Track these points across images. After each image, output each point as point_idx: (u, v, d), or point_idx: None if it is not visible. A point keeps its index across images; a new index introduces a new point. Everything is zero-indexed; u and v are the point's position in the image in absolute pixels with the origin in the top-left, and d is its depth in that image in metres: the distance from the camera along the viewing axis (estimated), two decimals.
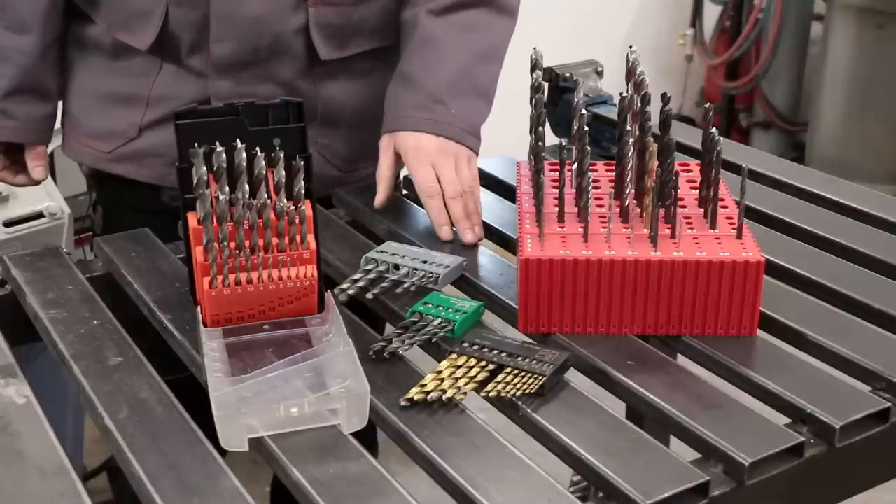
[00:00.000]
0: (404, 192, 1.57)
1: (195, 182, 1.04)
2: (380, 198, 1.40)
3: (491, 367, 1.02)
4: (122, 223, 1.42)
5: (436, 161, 1.35)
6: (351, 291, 1.19)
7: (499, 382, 1.00)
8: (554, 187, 1.23)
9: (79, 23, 1.49)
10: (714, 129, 1.15)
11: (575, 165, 1.17)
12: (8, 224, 2.18)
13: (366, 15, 1.46)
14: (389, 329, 1.11)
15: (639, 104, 1.15)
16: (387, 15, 1.48)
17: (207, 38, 1.41)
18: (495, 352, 1.04)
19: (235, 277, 1.07)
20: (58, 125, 1.57)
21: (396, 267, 1.23)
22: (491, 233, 1.41)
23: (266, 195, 1.06)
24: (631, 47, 1.20)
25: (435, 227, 1.34)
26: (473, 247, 1.32)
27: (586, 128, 1.15)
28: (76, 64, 1.52)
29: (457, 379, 1.00)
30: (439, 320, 1.11)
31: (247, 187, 1.05)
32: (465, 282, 1.24)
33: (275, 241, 1.08)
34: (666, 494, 0.86)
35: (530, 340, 1.08)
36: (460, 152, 1.37)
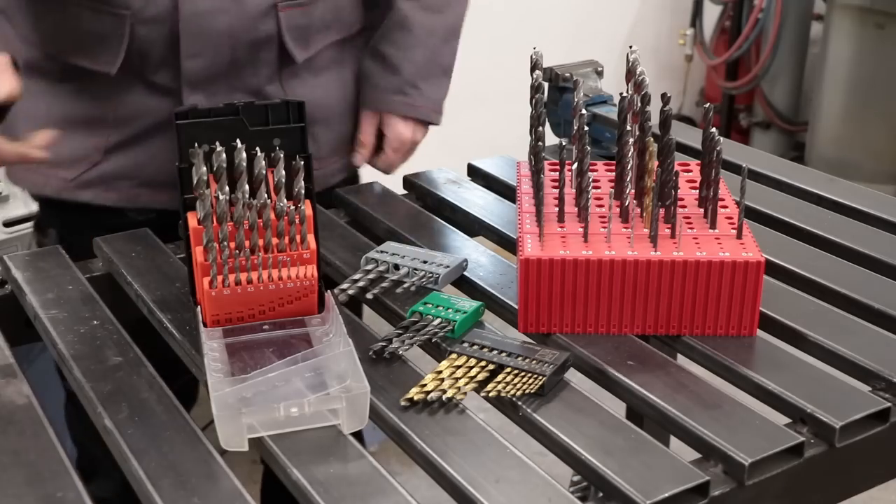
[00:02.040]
0: (404, 192, 1.57)
1: (195, 182, 1.04)
2: (361, 160, 1.61)
3: (491, 367, 1.02)
4: (80, 245, 1.36)
5: (405, 142, 1.61)
6: (351, 291, 1.19)
7: (499, 382, 1.00)
8: (554, 187, 1.23)
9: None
10: (714, 129, 1.15)
11: (575, 165, 1.17)
12: (8, 224, 2.18)
13: (323, 11, 1.49)
14: (389, 329, 1.11)
15: (639, 104, 1.15)
16: (340, 9, 1.53)
17: (177, 54, 1.38)
18: (495, 352, 1.04)
19: (235, 277, 1.07)
20: None
21: (396, 267, 1.23)
22: (491, 233, 1.41)
23: (266, 195, 1.06)
24: (631, 47, 1.20)
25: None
26: (473, 247, 1.32)
27: (586, 128, 1.15)
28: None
29: (457, 379, 1.00)
30: (439, 320, 1.11)
31: (247, 187, 1.06)
32: (465, 282, 1.24)
33: (275, 241, 1.08)
34: (666, 494, 0.86)
35: (530, 340, 1.08)
36: (421, 128, 1.62)
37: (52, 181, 1.46)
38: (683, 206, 1.20)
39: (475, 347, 1.05)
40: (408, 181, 1.58)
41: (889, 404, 0.98)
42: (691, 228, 1.14)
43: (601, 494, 0.89)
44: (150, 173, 1.45)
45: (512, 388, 0.99)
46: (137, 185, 1.45)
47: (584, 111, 1.15)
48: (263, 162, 1.05)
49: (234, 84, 1.43)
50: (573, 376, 1.03)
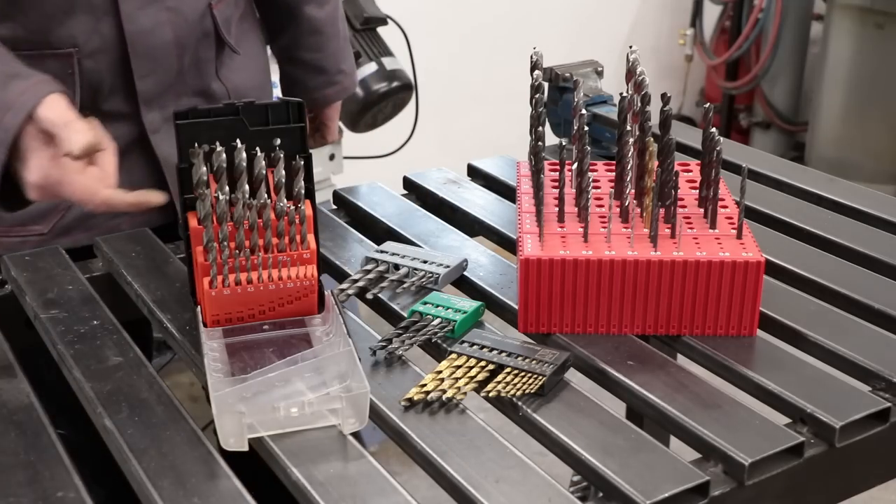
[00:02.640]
0: (404, 192, 1.57)
1: (195, 182, 1.04)
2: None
3: (491, 367, 1.02)
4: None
5: (337, 116, 1.79)
6: (351, 291, 1.19)
7: (499, 382, 1.00)
8: (554, 187, 1.23)
9: None
10: (714, 129, 1.15)
11: (575, 165, 1.17)
12: None
13: None
14: (389, 329, 1.11)
15: (639, 104, 1.15)
16: None
17: (127, 78, 1.36)
18: (495, 352, 1.04)
19: (235, 277, 1.07)
20: None
21: (396, 267, 1.23)
22: (491, 233, 1.41)
23: (266, 195, 1.06)
24: (631, 47, 1.20)
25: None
26: (473, 247, 1.32)
27: (586, 128, 1.15)
28: None
29: (457, 379, 1.00)
30: (439, 320, 1.11)
31: (247, 187, 1.06)
32: (465, 282, 1.24)
33: (275, 241, 1.08)
34: (666, 494, 0.86)
35: (530, 340, 1.08)
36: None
37: (30, 238, 1.39)
38: (683, 206, 1.20)
39: (475, 347, 1.05)
40: (408, 181, 1.58)
41: (889, 404, 0.98)
42: (691, 228, 1.14)
43: (601, 494, 0.89)
44: None
45: (512, 388, 0.99)
46: (114, 217, 1.40)
47: (584, 111, 1.15)
48: (263, 162, 1.05)
49: (180, 91, 1.43)
50: (573, 376, 1.03)
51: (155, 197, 1.18)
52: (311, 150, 1.20)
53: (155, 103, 1.41)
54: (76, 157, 1.12)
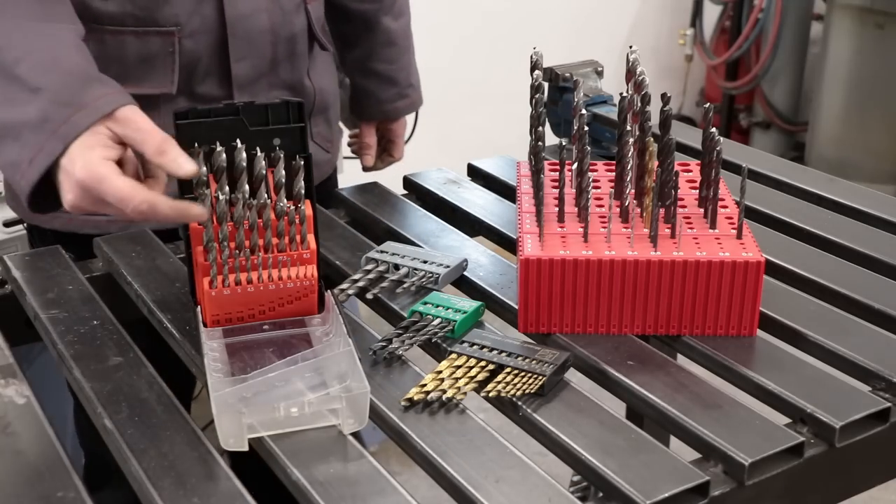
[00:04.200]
0: (404, 192, 1.57)
1: (195, 182, 1.04)
2: (370, 161, 1.79)
3: (491, 367, 1.02)
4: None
5: (404, 133, 1.82)
6: (351, 291, 1.19)
7: (499, 382, 1.00)
8: (554, 187, 1.23)
9: None
10: (714, 129, 1.15)
11: (575, 165, 1.17)
12: (8, 224, 2.18)
13: (329, 1, 1.62)
14: (389, 329, 1.11)
15: (639, 104, 1.15)
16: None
17: (223, 61, 1.40)
18: (495, 352, 1.04)
19: (235, 277, 1.07)
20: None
21: (396, 267, 1.23)
22: (491, 233, 1.41)
23: (266, 195, 1.06)
24: (631, 47, 1.20)
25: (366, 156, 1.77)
26: (473, 247, 1.32)
27: (586, 128, 1.15)
28: None
29: (457, 379, 1.00)
30: (439, 320, 1.11)
31: (247, 187, 1.06)
32: (465, 282, 1.24)
33: (275, 241, 1.08)
34: (666, 494, 0.86)
35: (530, 340, 1.08)
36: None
37: (116, 220, 1.35)
38: (683, 206, 1.20)
39: (475, 347, 1.05)
40: (408, 181, 1.58)
41: (889, 404, 0.98)
42: (691, 228, 1.14)
43: (601, 494, 0.89)
44: None
45: (512, 388, 0.99)
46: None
47: (584, 111, 1.15)
48: (263, 162, 1.05)
49: (273, 82, 1.47)
50: (573, 376, 1.03)
51: (196, 210, 1.05)
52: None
53: (247, 90, 1.43)
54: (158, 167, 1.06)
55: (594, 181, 1.24)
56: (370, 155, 1.77)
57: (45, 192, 1.10)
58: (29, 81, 1.10)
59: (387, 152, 1.81)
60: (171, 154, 1.03)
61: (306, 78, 1.53)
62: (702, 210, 1.19)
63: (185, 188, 1.08)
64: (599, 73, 1.69)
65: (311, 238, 1.10)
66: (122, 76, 1.29)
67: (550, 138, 1.50)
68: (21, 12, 1.16)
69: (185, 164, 1.02)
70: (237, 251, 1.07)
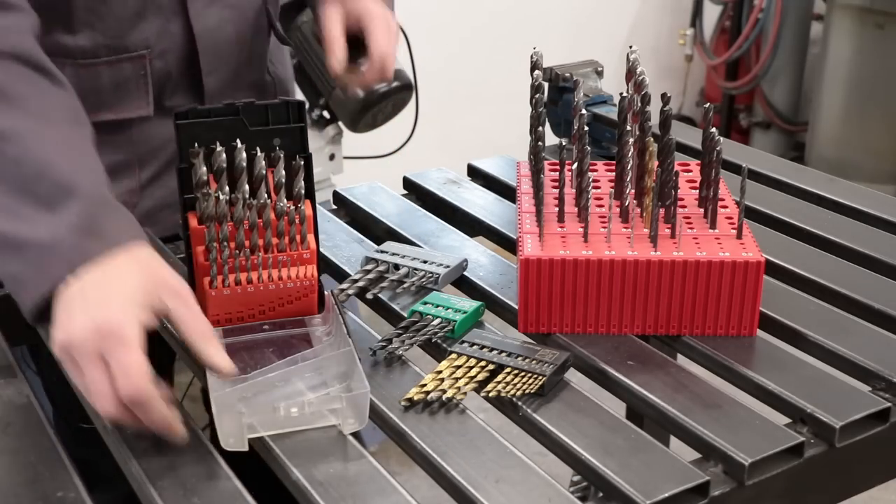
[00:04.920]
0: (404, 192, 1.57)
1: (195, 182, 1.04)
2: (339, 59, 1.33)
3: (491, 367, 1.02)
4: None
5: (391, 24, 1.35)
6: (351, 291, 1.19)
7: (499, 382, 1.00)
8: (554, 187, 1.23)
9: None
10: (714, 129, 1.15)
11: (575, 165, 1.17)
12: None
13: None
14: (389, 329, 1.11)
15: (639, 104, 1.15)
16: None
17: (194, 75, 1.38)
18: (495, 352, 1.04)
19: (235, 277, 1.07)
20: None
21: (396, 267, 1.23)
22: (491, 233, 1.41)
23: (266, 195, 1.06)
24: (631, 47, 1.20)
25: (379, 58, 1.31)
26: (473, 247, 1.32)
27: (586, 128, 1.15)
28: None
29: (457, 379, 1.00)
30: (439, 320, 1.11)
31: (247, 187, 1.06)
32: (465, 282, 1.24)
33: (275, 241, 1.08)
34: (666, 494, 0.86)
35: (530, 340, 1.08)
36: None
37: None
38: (683, 206, 1.20)
39: (475, 347, 1.05)
40: (408, 181, 1.58)
41: (889, 404, 0.98)
42: (691, 228, 1.14)
43: (601, 494, 0.89)
44: None
45: (512, 388, 0.99)
46: (175, 213, 1.30)
47: (584, 111, 1.15)
48: (263, 162, 1.05)
49: (238, 85, 1.45)
50: (573, 376, 1.03)
51: (179, 430, 0.93)
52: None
53: (217, 98, 1.42)
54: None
55: (594, 181, 1.24)
56: (339, 49, 1.33)
57: (46, 313, 0.99)
58: (48, 200, 1.00)
59: (371, 63, 1.34)
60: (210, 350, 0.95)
61: (267, 74, 1.51)
62: (702, 210, 1.19)
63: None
64: (599, 73, 1.69)
65: (311, 238, 1.10)
66: (97, 105, 1.30)
67: (550, 138, 1.50)
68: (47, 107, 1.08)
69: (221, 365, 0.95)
70: (237, 251, 1.07)
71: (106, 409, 0.90)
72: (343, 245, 1.34)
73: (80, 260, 0.97)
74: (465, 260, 1.25)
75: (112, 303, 0.93)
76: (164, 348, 1.10)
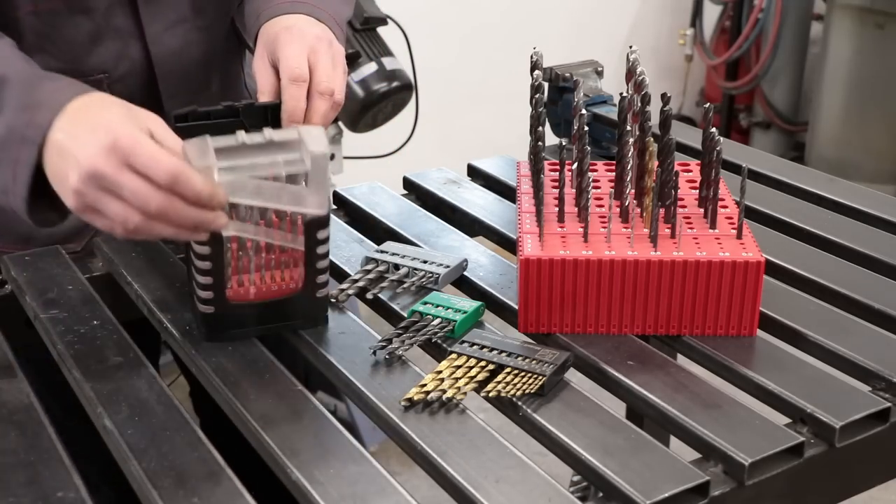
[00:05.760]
0: (404, 192, 1.57)
1: None
2: (266, 88, 1.18)
3: (491, 367, 1.02)
4: None
5: (313, 45, 1.16)
6: (351, 291, 1.19)
7: (499, 382, 1.00)
8: (554, 187, 1.23)
9: None
10: (714, 129, 1.15)
11: (575, 165, 1.17)
12: None
13: None
14: (389, 329, 1.11)
15: (639, 104, 1.15)
16: None
17: (155, 99, 1.34)
18: (495, 352, 1.04)
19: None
20: None
21: (396, 267, 1.23)
22: (491, 233, 1.41)
23: None
24: (631, 47, 1.20)
25: (286, 119, 1.13)
26: (473, 247, 1.32)
27: (586, 128, 1.15)
28: None
29: (457, 379, 1.00)
30: (439, 320, 1.11)
31: None
32: (465, 282, 1.24)
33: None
34: (666, 494, 0.86)
35: (530, 340, 1.08)
36: (336, 47, 1.20)
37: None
38: (683, 206, 1.20)
39: (475, 347, 1.05)
40: (408, 181, 1.58)
41: (889, 404, 0.98)
42: (691, 228, 1.15)
43: (601, 494, 0.89)
44: None
45: (512, 388, 0.99)
46: None
47: (584, 111, 1.15)
48: None
49: (210, 105, 1.41)
50: (573, 376, 1.03)
51: (221, 197, 0.97)
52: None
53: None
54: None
55: (594, 181, 1.25)
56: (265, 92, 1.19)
57: (42, 206, 1.04)
58: None
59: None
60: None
61: (245, 90, 1.48)
62: (702, 210, 1.19)
63: None
64: (599, 73, 1.69)
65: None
66: None
67: (550, 138, 1.50)
68: None
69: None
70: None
71: (148, 207, 0.92)
72: (343, 245, 1.34)
73: (43, 126, 0.99)
74: (465, 260, 1.25)
75: (106, 126, 0.95)
76: (151, 345, 1.10)
